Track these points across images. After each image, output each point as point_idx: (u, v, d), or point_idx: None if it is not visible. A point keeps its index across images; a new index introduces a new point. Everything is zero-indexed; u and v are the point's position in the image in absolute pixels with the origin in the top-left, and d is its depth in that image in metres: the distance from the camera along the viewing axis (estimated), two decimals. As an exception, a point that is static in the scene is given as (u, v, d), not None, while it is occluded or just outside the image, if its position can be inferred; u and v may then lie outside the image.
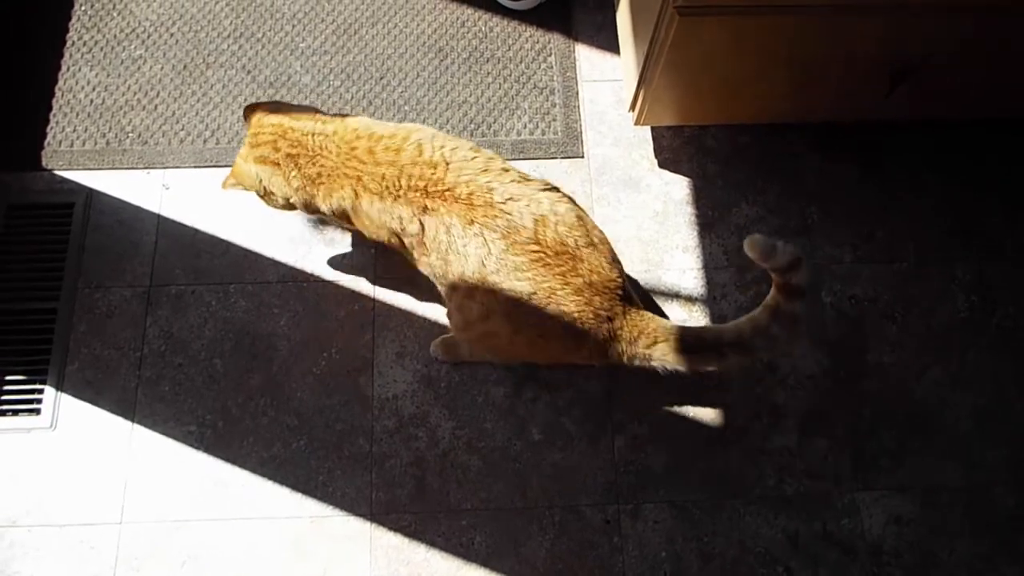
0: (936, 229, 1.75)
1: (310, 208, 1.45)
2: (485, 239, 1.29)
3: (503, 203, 1.30)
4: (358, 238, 1.65)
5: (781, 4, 1.35)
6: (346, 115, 1.46)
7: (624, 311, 1.34)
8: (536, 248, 1.29)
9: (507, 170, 1.35)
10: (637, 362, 1.36)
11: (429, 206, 1.31)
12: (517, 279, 1.30)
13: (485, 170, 1.33)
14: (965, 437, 1.60)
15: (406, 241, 1.37)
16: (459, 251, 1.31)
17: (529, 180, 1.36)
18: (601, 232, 1.38)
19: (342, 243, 1.71)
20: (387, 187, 1.33)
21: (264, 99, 1.80)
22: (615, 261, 1.37)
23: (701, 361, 1.33)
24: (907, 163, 1.80)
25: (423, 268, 1.42)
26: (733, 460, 1.58)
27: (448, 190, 1.31)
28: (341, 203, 1.38)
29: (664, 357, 1.34)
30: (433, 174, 1.31)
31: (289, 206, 1.48)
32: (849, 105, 1.66)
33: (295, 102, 1.81)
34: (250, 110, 1.48)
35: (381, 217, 1.36)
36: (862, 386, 1.63)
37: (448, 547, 1.52)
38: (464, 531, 1.52)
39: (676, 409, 1.61)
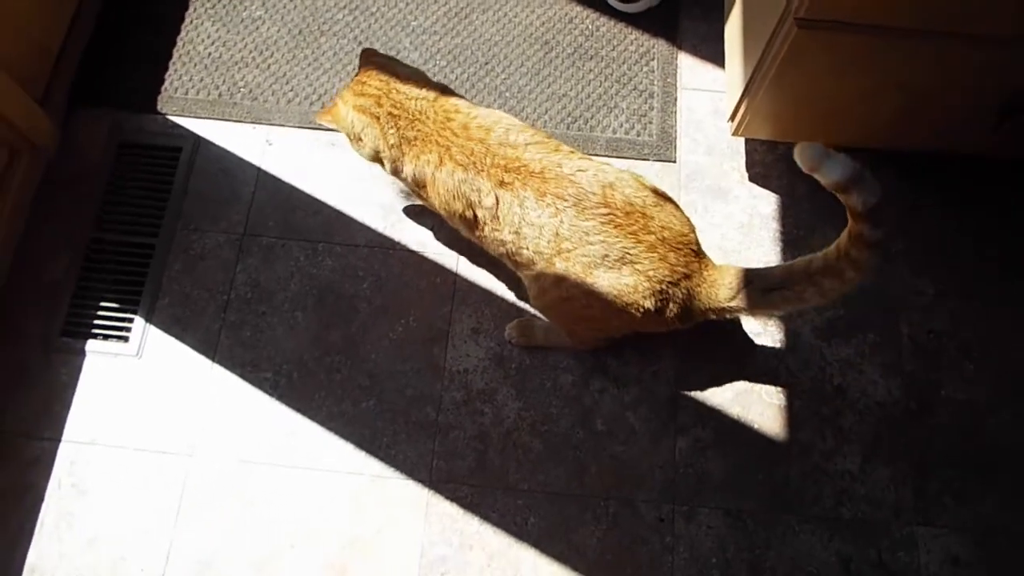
0: (1023, 270, 1.73)
1: (395, 168, 1.50)
2: (557, 208, 1.35)
3: (572, 174, 1.37)
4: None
5: (906, 27, 1.36)
6: (447, 88, 1.52)
7: (700, 267, 1.38)
8: (606, 210, 1.34)
9: (574, 153, 1.43)
10: (714, 316, 1.40)
11: (505, 180, 1.38)
12: (589, 243, 1.34)
13: (557, 151, 1.41)
14: (1034, 484, 1.58)
15: (479, 214, 1.42)
16: (532, 222, 1.37)
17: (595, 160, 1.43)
18: (666, 194, 1.43)
19: (432, 217, 1.75)
20: (473, 161, 1.40)
21: (371, 71, 1.87)
22: (685, 218, 1.41)
23: (782, 302, 1.35)
24: (1000, 201, 1.78)
25: (491, 245, 1.46)
26: (793, 476, 1.57)
27: (524, 166, 1.38)
28: (424, 168, 1.45)
29: (743, 305, 1.37)
30: (514, 154, 1.39)
31: (375, 158, 1.53)
32: (951, 138, 1.66)
33: (401, 77, 1.86)
34: (366, 56, 1.54)
35: (460, 187, 1.42)
36: (933, 420, 1.61)
37: (502, 523, 1.54)
38: (519, 510, 1.55)
39: (741, 418, 1.61)
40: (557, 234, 1.36)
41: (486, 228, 1.43)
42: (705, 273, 1.39)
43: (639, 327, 1.47)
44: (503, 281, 1.70)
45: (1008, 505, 1.56)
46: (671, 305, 1.36)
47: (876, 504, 1.56)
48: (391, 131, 1.46)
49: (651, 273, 1.34)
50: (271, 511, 1.54)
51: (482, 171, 1.40)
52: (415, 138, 1.45)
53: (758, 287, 1.37)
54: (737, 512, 1.55)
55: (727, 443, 1.60)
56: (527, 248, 1.40)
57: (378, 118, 1.46)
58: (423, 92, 1.47)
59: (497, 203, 1.39)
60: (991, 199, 1.79)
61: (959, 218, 1.77)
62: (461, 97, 1.50)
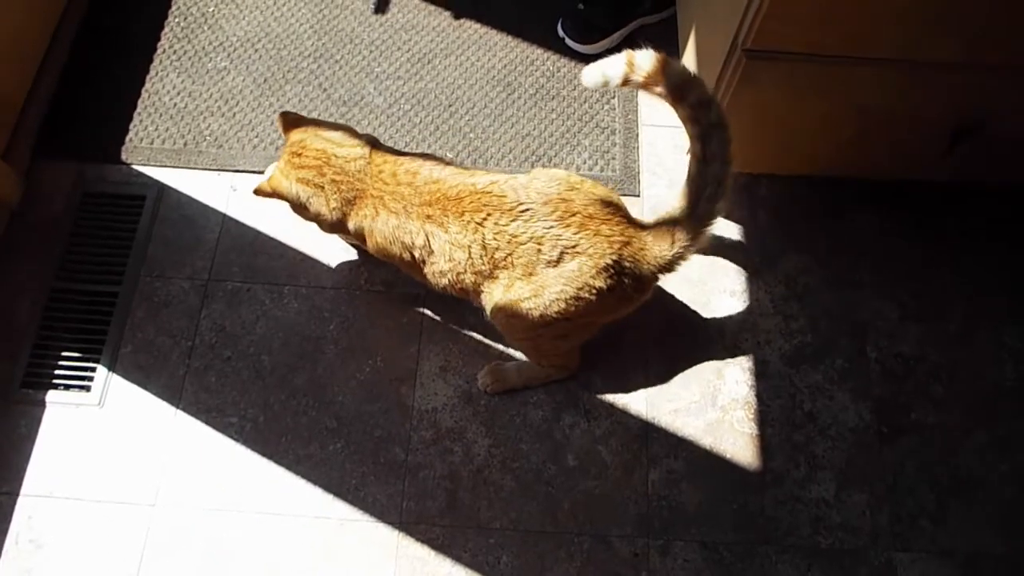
0: (987, 293, 1.74)
1: (338, 226, 1.51)
2: (477, 223, 1.37)
3: (485, 187, 1.39)
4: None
5: (850, 55, 1.39)
6: (376, 140, 1.53)
7: (636, 231, 1.38)
8: (523, 208, 1.36)
9: (489, 172, 1.44)
10: (668, 272, 1.40)
11: (430, 213, 1.40)
12: (520, 243, 1.35)
13: (472, 175, 1.43)
14: (1009, 504, 1.56)
15: (416, 255, 1.43)
16: (460, 244, 1.38)
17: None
18: (584, 179, 1.43)
19: (397, 256, 1.75)
20: (403, 206, 1.42)
21: (336, 116, 1.89)
22: (606, 191, 1.42)
23: (712, 205, 1.35)
24: (962, 225, 1.81)
25: (436, 280, 1.46)
26: (768, 505, 1.55)
27: (443, 195, 1.40)
28: (362, 222, 1.46)
29: (688, 244, 1.37)
30: (436, 187, 1.41)
31: (319, 221, 1.53)
32: (907, 163, 1.69)
33: (366, 121, 1.89)
34: (288, 120, 1.52)
35: (395, 233, 1.43)
36: (905, 444, 1.61)
37: (474, 564, 1.50)
38: (491, 549, 1.51)
39: (713, 448, 1.60)
40: (485, 247, 1.37)
41: (425, 266, 1.44)
42: (642, 236, 1.38)
43: (604, 314, 1.44)
44: (470, 318, 1.70)
45: (987, 528, 1.54)
46: (622, 278, 1.36)
47: (853, 531, 1.54)
48: (334, 196, 1.47)
49: (591, 251, 1.34)
50: (237, 559, 1.50)
51: (411, 213, 1.41)
52: (354, 197, 1.46)
53: (686, 216, 1.36)
54: (713, 544, 1.52)
55: (700, 474, 1.58)
56: (465, 272, 1.40)
57: (322, 187, 1.46)
58: (359, 151, 1.47)
59: (427, 238, 1.41)
60: (954, 224, 1.81)
61: (923, 243, 1.79)
62: (389, 149, 1.52)
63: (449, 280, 1.44)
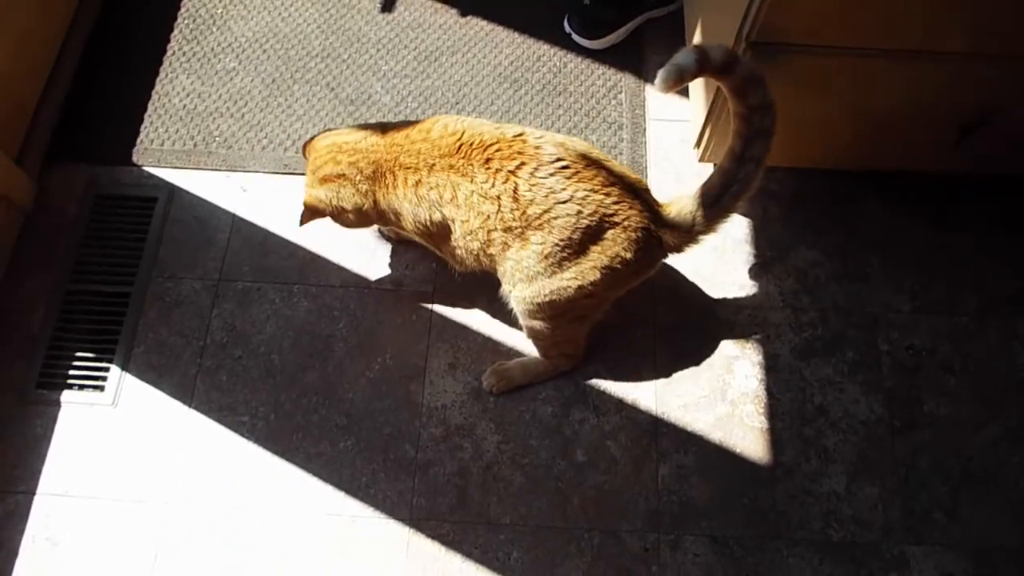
0: (999, 285, 1.73)
1: (379, 211, 1.49)
2: (509, 171, 1.33)
3: (516, 136, 1.35)
4: (415, 248, 1.69)
5: (856, 47, 1.38)
6: (386, 123, 1.52)
7: (662, 208, 1.39)
8: (565, 163, 1.33)
9: (515, 125, 1.40)
10: (685, 248, 1.40)
11: (453, 164, 1.36)
12: (560, 200, 1.32)
13: (499, 127, 1.39)
14: (1022, 496, 1.55)
15: (445, 213, 1.40)
16: (487, 194, 1.34)
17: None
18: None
19: (406, 255, 1.76)
20: (422, 161, 1.38)
21: (344, 115, 1.90)
22: (630, 172, 1.42)
23: (734, 201, 1.35)
24: (972, 217, 1.79)
25: (467, 246, 1.42)
26: (779, 499, 1.55)
27: (465, 143, 1.36)
28: (390, 194, 1.43)
29: (704, 228, 1.38)
30: (454, 139, 1.38)
31: (361, 218, 1.52)
32: (916, 155, 1.68)
33: (374, 120, 1.89)
34: (307, 145, 1.55)
35: (419, 191, 1.40)
36: (917, 436, 1.60)
37: (484, 560, 1.51)
38: (502, 545, 1.52)
39: (723, 442, 1.59)
40: (517, 198, 1.32)
41: (455, 225, 1.40)
42: (663, 212, 1.38)
43: (618, 288, 1.44)
44: (478, 315, 1.70)
45: (1000, 520, 1.53)
46: (647, 250, 1.36)
47: (865, 524, 1.53)
48: (359, 177, 1.45)
49: (627, 223, 1.33)
50: (250, 556, 1.51)
51: (433, 166, 1.38)
52: (375, 171, 1.44)
53: (707, 203, 1.36)
54: (724, 539, 1.52)
55: (710, 468, 1.58)
56: (495, 228, 1.36)
57: (344, 174, 1.45)
58: (368, 130, 1.47)
59: (454, 190, 1.37)
60: (966, 216, 1.80)
61: (934, 235, 1.78)
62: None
63: (480, 243, 1.39)
